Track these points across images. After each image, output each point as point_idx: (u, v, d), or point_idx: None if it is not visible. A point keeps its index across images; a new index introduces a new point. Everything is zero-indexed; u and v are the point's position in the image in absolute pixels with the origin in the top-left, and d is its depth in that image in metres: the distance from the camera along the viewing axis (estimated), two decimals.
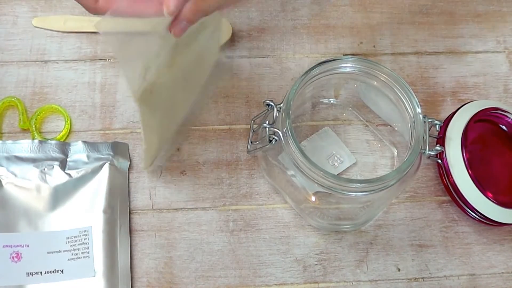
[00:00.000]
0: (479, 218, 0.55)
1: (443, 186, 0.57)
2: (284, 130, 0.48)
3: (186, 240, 0.54)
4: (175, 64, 0.48)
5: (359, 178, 0.56)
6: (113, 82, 0.60)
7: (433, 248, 0.55)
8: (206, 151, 0.57)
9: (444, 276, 0.54)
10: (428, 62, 0.64)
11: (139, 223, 0.54)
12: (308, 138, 0.58)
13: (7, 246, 0.50)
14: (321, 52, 0.63)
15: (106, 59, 0.61)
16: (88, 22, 0.61)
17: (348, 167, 0.57)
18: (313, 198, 0.52)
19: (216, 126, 0.59)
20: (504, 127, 0.58)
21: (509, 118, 0.57)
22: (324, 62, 0.51)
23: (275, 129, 0.49)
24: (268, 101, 0.51)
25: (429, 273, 0.55)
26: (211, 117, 0.59)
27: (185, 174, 0.57)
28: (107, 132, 0.58)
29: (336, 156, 0.57)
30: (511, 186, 0.56)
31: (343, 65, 0.52)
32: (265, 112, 0.52)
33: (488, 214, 0.54)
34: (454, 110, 0.57)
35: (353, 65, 0.52)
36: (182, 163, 0.57)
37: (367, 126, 0.59)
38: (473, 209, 0.54)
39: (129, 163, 0.56)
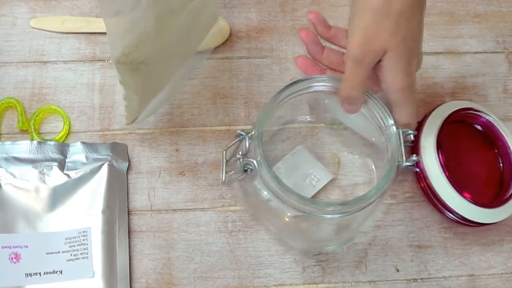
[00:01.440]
0: (458, 220, 0.54)
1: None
2: (258, 159, 0.47)
3: (185, 241, 0.54)
4: (162, 32, 0.48)
5: (337, 195, 0.56)
6: (112, 83, 0.60)
7: (432, 249, 0.55)
8: (205, 151, 0.57)
9: (443, 276, 0.54)
10: (427, 62, 0.63)
11: (138, 224, 0.54)
12: (282, 159, 0.57)
13: (6, 247, 0.50)
14: None
15: (105, 60, 0.61)
16: (86, 23, 0.62)
17: (326, 184, 0.56)
18: (292, 222, 0.51)
19: (215, 127, 0.59)
20: (479, 127, 0.58)
21: (483, 118, 0.57)
22: (294, 83, 0.50)
23: (249, 159, 0.47)
24: (238, 132, 0.49)
25: (428, 273, 0.54)
26: (209, 118, 0.59)
27: (184, 175, 0.57)
28: (106, 133, 0.58)
29: (313, 175, 0.56)
30: (488, 186, 0.56)
31: (315, 84, 0.51)
32: (237, 141, 0.50)
33: (466, 215, 0.53)
34: (425, 115, 0.57)
35: (325, 84, 0.51)
36: (180, 164, 0.57)
37: (342, 141, 0.58)
38: (452, 211, 0.54)
39: (127, 163, 0.56)
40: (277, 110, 0.50)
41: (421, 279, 0.54)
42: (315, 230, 0.53)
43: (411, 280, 0.54)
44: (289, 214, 0.49)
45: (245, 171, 0.48)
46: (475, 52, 0.64)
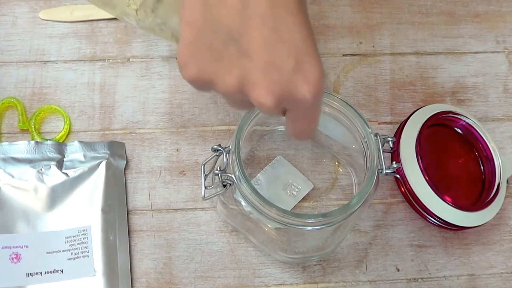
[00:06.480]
0: (440, 224, 0.54)
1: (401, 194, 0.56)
2: (237, 174, 0.46)
3: (185, 241, 0.54)
4: None
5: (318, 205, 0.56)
6: (112, 82, 0.60)
7: (432, 248, 0.55)
8: (205, 151, 0.57)
9: (444, 276, 0.54)
10: (427, 62, 0.63)
11: (138, 223, 0.54)
12: (262, 171, 0.56)
13: (6, 247, 0.50)
14: (320, 52, 0.62)
15: (105, 60, 0.61)
16: (96, 10, 0.60)
17: (308, 193, 0.56)
18: (274, 234, 0.50)
19: (215, 126, 0.59)
20: (459, 130, 0.58)
21: (463, 120, 0.57)
22: None
23: (228, 174, 0.47)
24: (215, 147, 0.48)
25: (429, 273, 0.54)
26: (210, 117, 0.59)
27: (184, 174, 0.56)
28: (106, 132, 0.58)
29: (293, 185, 0.55)
30: (470, 189, 0.56)
31: None
32: (215, 155, 0.49)
33: (448, 219, 0.53)
34: (404, 119, 0.57)
35: None
36: (181, 163, 0.57)
37: (321, 149, 0.58)
38: (433, 215, 0.53)
39: (125, 161, 0.56)
40: (254, 122, 0.50)
41: (422, 278, 0.54)
42: (299, 242, 0.52)
43: (412, 280, 0.54)
44: (270, 226, 0.48)
45: (224, 186, 0.47)
46: (475, 52, 0.64)
